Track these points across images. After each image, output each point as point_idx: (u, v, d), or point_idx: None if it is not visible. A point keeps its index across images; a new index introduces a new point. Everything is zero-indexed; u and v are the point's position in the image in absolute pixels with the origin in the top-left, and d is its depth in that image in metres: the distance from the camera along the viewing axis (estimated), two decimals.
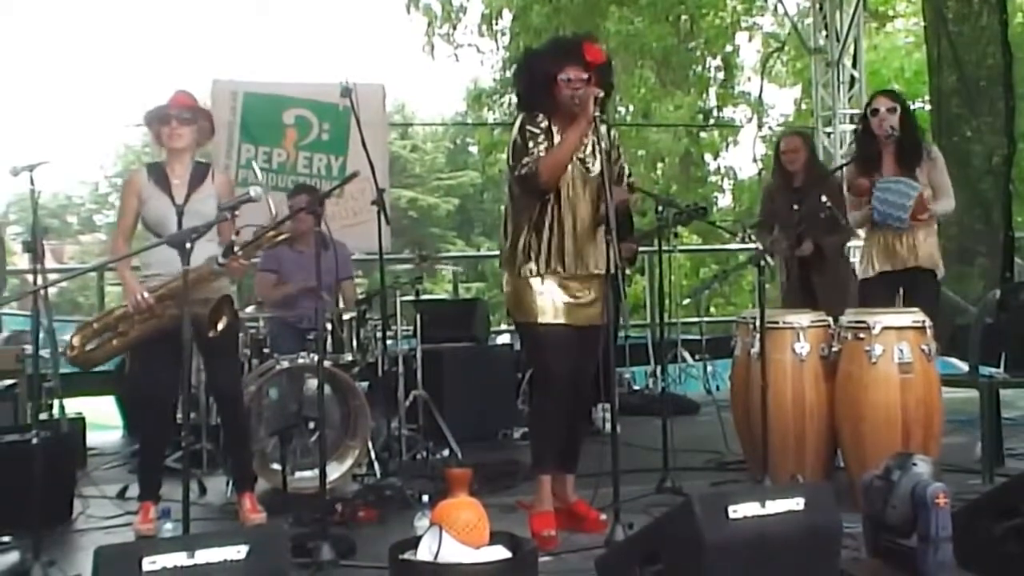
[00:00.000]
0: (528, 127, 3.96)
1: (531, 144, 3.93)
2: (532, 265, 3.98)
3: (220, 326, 4.07)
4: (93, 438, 6.11)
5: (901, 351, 4.17)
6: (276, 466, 4.67)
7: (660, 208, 4.98)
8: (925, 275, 4.90)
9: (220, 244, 4.19)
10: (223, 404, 4.50)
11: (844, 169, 5.34)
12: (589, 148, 4.02)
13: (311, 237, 4.23)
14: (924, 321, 4.27)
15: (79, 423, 5.78)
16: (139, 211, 4.28)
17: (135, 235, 4.41)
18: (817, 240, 5.39)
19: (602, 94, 3.87)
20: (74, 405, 6.36)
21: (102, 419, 6.89)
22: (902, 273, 4.90)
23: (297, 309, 5.45)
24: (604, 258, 3.96)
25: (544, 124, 3.97)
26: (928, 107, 10.46)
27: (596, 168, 3.99)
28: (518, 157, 3.94)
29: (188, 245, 3.52)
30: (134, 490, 4.49)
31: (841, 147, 9.18)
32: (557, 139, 3.97)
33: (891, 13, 18.27)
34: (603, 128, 3.91)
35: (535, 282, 3.97)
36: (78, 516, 4.51)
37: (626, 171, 4.23)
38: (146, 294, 4.13)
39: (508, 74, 17.68)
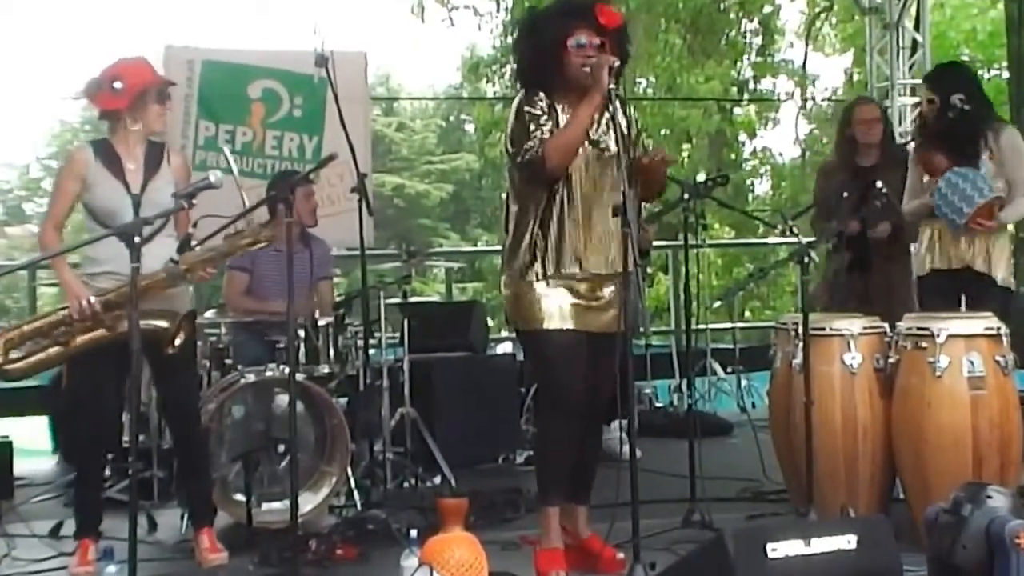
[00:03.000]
0: (527, 108, 3.97)
1: (533, 126, 3.93)
2: (538, 267, 3.98)
3: (178, 341, 4.07)
4: (21, 466, 6.10)
5: (971, 363, 4.16)
6: (240, 496, 4.67)
7: (687, 195, 4.98)
8: (985, 281, 4.87)
9: (177, 238, 4.19)
10: (177, 424, 4.50)
11: (910, 146, 5.29)
12: (603, 127, 4.03)
13: (290, 234, 4.25)
14: (999, 328, 4.26)
15: (5, 448, 5.77)
16: (80, 196, 4.26)
17: (72, 226, 4.40)
18: (896, 222, 5.21)
19: (618, 62, 3.88)
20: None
21: (32, 443, 6.89)
22: (958, 273, 4.89)
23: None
24: (621, 256, 3.96)
25: (545, 104, 3.98)
26: (1005, 75, 10.45)
27: (612, 150, 3.99)
28: (519, 142, 3.95)
29: (137, 239, 3.51)
30: (70, 526, 4.49)
31: (900, 123, 9.15)
32: (563, 119, 3.98)
33: None
34: (619, 103, 3.92)
35: (540, 286, 3.98)
36: (3, 558, 4.49)
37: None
38: (93, 299, 4.08)
39: (510, 40, 17.69)
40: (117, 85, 4.21)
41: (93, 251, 4.22)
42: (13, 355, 4.13)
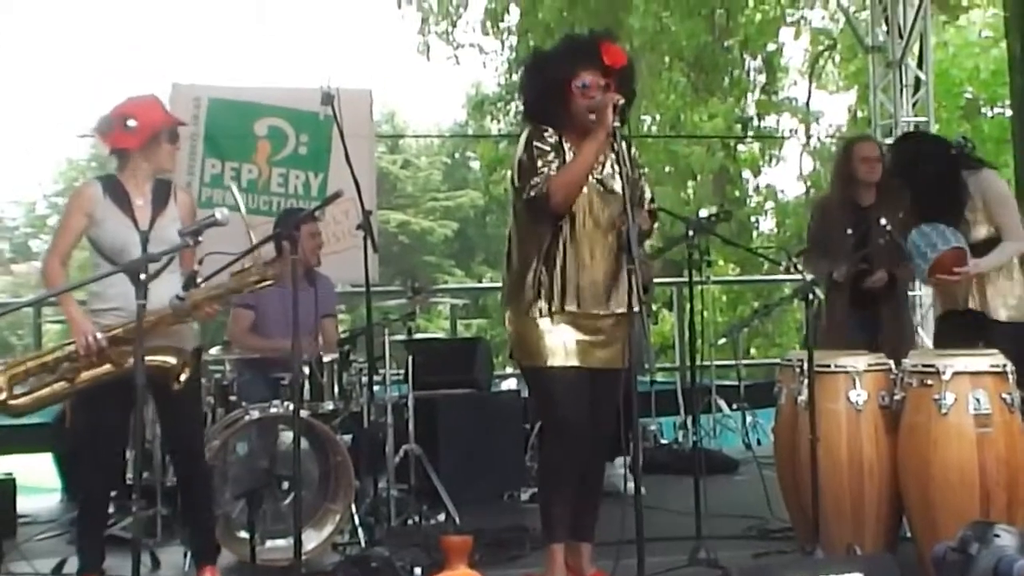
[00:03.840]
0: (536, 143, 4.00)
1: (540, 162, 3.96)
2: (542, 304, 3.99)
3: (183, 377, 4.07)
4: (24, 503, 6.09)
5: (977, 400, 4.15)
6: (243, 534, 4.65)
7: (691, 232, 4.99)
8: (991, 324, 4.89)
9: (183, 275, 4.20)
10: (181, 461, 4.49)
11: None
12: (607, 166, 4.06)
13: (295, 271, 4.27)
14: (1005, 365, 4.25)
15: (8, 485, 5.76)
16: (85, 232, 4.27)
17: (76, 263, 4.40)
18: (891, 269, 5.25)
19: (622, 101, 3.90)
20: (2, 464, 6.37)
21: (36, 480, 6.88)
22: (967, 315, 4.90)
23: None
24: (625, 294, 3.97)
25: (554, 140, 4.01)
26: (1008, 112, 10.50)
27: (617, 189, 4.01)
28: (526, 178, 3.97)
29: (143, 276, 3.53)
30: (73, 564, 4.46)
31: None
32: (570, 156, 4.00)
33: (964, 3, 18.31)
34: (626, 146, 3.94)
35: (544, 322, 3.99)
36: None
37: (648, 195, 4.25)
38: (99, 335, 4.08)
39: (515, 78, 17.81)
40: (130, 124, 4.23)
41: (99, 287, 4.22)
42: (17, 390, 4.12)
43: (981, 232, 4.90)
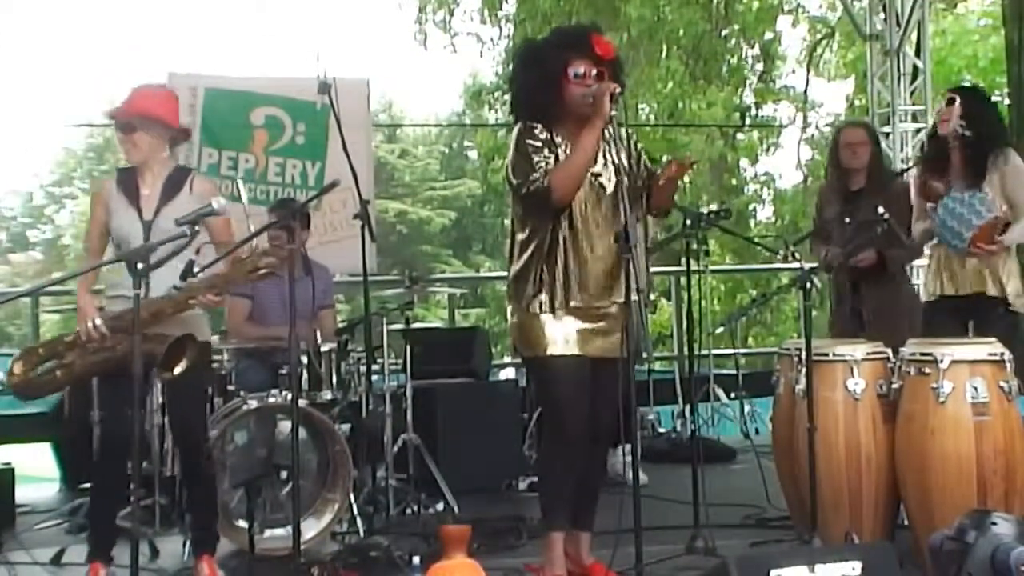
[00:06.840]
0: (528, 140, 3.99)
1: (536, 157, 3.95)
2: (543, 298, 3.99)
3: (177, 370, 4.07)
4: (23, 492, 6.10)
5: (975, 389, 4.15)
6: (242, 523, 4.65)
7: (689, 222, 4.99)
8: (993, 304, 4.86)
9: (217, 252, 4.21)
10: (183, 450, 4.49)
11: (910, 173, 5.31)
12: (600, 159, 4.05)
13: (293, 260, 4.26)
14: (1003, 353, 4.25)
15: (7, 474, 5.76)
16: (107, 225, 4.32)
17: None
18: (880, 249, 5.22)
19: (619, 89, 3.90)
20: (1, 454, 6.37)
21: (34, 470, 6.88)
22: (966, 299, 4.89)
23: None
24: (624, 285, 3.97)
25: (544, 136, 4.00)
26: (1007, 101, 10.49)
27: (610, 184, 4.02)
28: (523, 173, 3.96)
29: (141, 265, 3.53)
30: (72, 554, 4.47)
31: (902, 149, 9.19)
32: (562, 149, 4.00)
33: None
34: (622, 131, 3.94)
35: (545, 316, 4.00)
36: None
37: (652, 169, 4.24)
38: (99, 322, 4.11)
39: (511, 68, 17.80)
40: None
41: (112, 274, 4.29)
42: (31, 375, 4.21)
43: (996, 208, 4.85)
